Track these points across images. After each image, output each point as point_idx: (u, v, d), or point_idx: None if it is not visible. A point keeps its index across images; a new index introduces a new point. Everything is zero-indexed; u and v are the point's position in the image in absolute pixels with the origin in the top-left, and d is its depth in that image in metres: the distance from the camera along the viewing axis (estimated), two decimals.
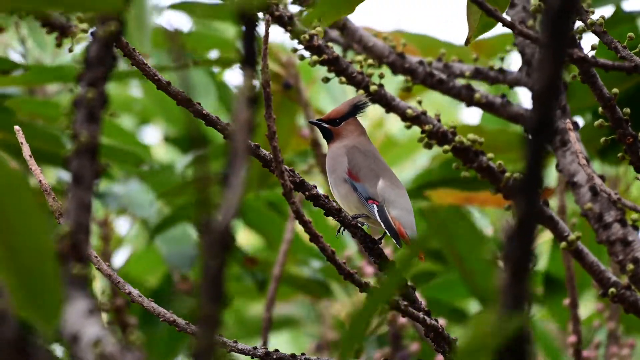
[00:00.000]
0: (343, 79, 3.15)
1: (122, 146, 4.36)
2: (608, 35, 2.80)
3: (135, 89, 5.35)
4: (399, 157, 4.92)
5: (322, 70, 3.19)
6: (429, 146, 3.18)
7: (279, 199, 4.61)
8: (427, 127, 3.16)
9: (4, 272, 1.60)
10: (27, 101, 4.28)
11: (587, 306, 4.59)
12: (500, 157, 3.30)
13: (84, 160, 1.66)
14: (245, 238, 5.28)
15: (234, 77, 4.94)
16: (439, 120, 3.17)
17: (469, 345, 1.51)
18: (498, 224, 4.71)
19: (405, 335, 4.43)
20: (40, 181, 2.68)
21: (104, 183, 4.58)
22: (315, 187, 2.64)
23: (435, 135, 3.16)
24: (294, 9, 3.19)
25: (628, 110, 2.86)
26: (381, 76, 3.17)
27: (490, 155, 3.17)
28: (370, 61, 3.21)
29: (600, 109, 2.85)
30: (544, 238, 4.36)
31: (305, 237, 3.57)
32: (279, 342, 5.36)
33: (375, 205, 2.75)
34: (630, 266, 3.21)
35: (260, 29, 2.50)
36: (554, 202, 4.02)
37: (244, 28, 1.59)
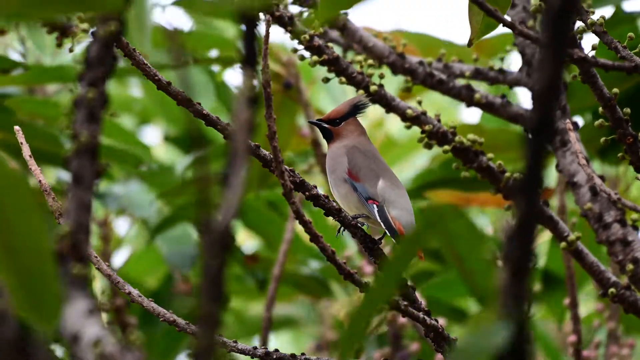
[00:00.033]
0: (343, 79, 3.15)
1: (122, 146, 4.35)
2: (608, 35, 2.81)
3: (135, 89, 5.35)
4: (398, 157, 4.92)
5: (322, 71, 3.19)
6: (429, 146, 3.18)
7: (279, 199, 4.61)
8: (427, 127, 3.16)
9: (3, 272, 1.60)
10: (26, 101, 4.28)
11: (586, 304, 4.59)
12: (500, 157, 3.30)
13: (84, 160, 1.66)
14: (245, 238, 5.28)
15: (234, 77, 4.94)
16: (439, 121, 3.17)
17: (469, 345, 1.51)
18: (498, 224, 4.72)
19: (405, 335, 4.43)
20: (40, 181, 2.68)
21: (103, 183, 4.58)
22: (316, 187, 2.64)
23: (435, 136, 3.16)
24: (294, 9, 3.19)
25: (628, 110, 2.86)
26: (381, 76, 3.17)
27: (490, 155, 3.17)
28: (370, 61, 3.21)
29: (600, 109, 2.86)
30: (544, 238, 4.36)
31: (305, 237, 3.57)
32: (279, 342, 5.36)
33: (375, 205, 2.75)
34: (630, 266, 3.22)
35: (261, 29, 2.50)
36: (554, 202, 4.02)
37: (244, 28, 1.59)
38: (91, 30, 1.68)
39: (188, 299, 4.71)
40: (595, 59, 2.83)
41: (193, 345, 1.52)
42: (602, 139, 2.87)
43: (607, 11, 3.85)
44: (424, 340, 4.29)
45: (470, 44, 2.82)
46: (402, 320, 4.33)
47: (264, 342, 4.04)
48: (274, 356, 2.67)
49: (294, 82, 4.19)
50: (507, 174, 3.17)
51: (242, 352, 2.68)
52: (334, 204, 2.66)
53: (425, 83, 3.41)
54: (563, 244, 3.17)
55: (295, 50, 3.12)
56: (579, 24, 2.82)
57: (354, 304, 4.58)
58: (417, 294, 2.68)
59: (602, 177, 3.06)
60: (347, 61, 3.16)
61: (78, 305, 1.63)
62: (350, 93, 4.37)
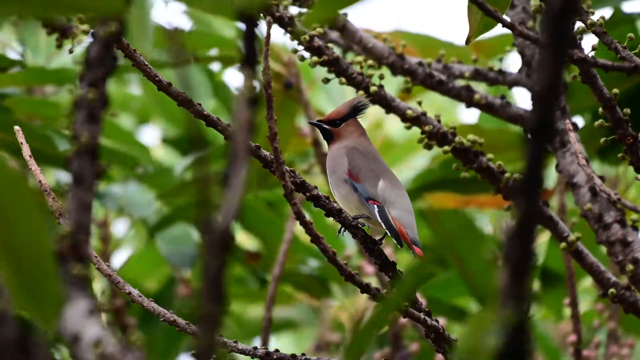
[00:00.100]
0: (343, 79, 3.15)
1: (120, 148, 4.35)
2: (608, 35, 2.81)
3: (134, 87, 5.34)
4: (397, 158, 4.92)
5: (321, 72, 3.19)
6: (428, 147, 3.18)
7: (278, 199, 4.61)
8: (427, 128, 3.16)
9: (4, 271, 1.60)
10: (25, 100, 4.28)
11: (583, 302, 4.59)
12: (499, 157, 3.30)
13: (84, 161, 1.66)
14: (244, 240, 5.28)
15: (234, 77, 4.95)
16: (439, 121, 3.17)
17: (469, 345, 1.51)
18: (497, 224, 4.72)
19: (405, 335, 4.43)
20: (40, 181, 2.68)
21: (102, 183, 4.58)
22: (316, 188, 2.64)
23: (435, 136, 3.16)
24: (294, 10, 3.20)
25: (628, 110, 2.86)
26: (381, 77, 3.17)
27: (490, 155, 3.18)
28: (370, 62, 3.21)
29: (600, 109, 2.86)
30: (544, 238, 4.36)
31: (304, 236, 3.56)
32: (279, 345, 5.36)
33: (375, 206, 2.75)
34: (630, 267, 3.22)
35: (261, 29, 2.50)
36: (554, 202, 4.02)
37: (244, 28, 1.59)
38: (91, 30, 1.68)
39: (189, 301, 4.71)
40: (595, 60, 2.83)
41: (193, 345, 1.52)
42: (602, 140, 2.87)
43: (606, 13, 3.85)
44: (424, 340, 4.30)
45: (468, 41, 2.82)
46: (402, 320, 4.33)
47: (264, 342, 4.04)
48: (275, 356, 2.67)
49: (295, 82, 4.19)
50: (507, 175, 3.18)
51: (243, 352, 2.68)
52: (335, 204, 2.66)
53: (425, 84, 3.41)
54: (563, 245, 3.17)
55: (295, 51, 3.12)
56: (578, 24, 2.82)
57: (353, 305, 4.58)
58: (417, 294, 2.68)
59: (602, 178, 3.07)
60: (347, 62, 3.16)
61: (78, 306, 1.63)
62: (349, 94, 4.37)
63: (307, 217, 2.43)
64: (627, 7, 3.83)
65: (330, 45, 3.12)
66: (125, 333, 4.45)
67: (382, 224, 2.73)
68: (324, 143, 3.97)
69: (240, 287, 4.69)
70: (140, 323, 4.56)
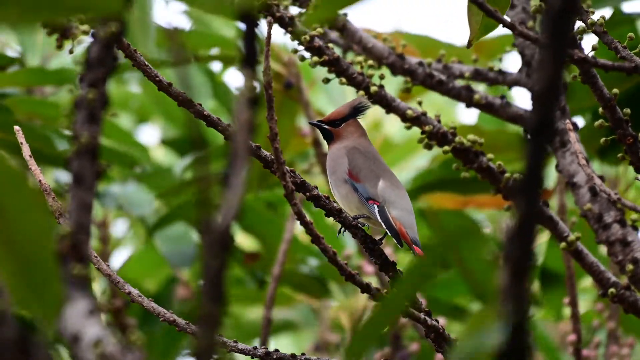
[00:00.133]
0: (343, 79, 3.15)
1: (120, 148, 4.35)
2: (608, 35, 2.81)
3: (133, 85, 5.34)
4: (396, 158, 4.92)
5: (322, 72, 3.19)
6: (429, 147, 3.18)
7: (278, 199, 4.61)
8: (427, 128, 3.16)
9: (4, 270, 1.60)
10: (24, 100, 4.27)
11: (583, 302, 4.59)
12: (499, 157, 3.30)
13: (84, 161, 1.66)
14: (243, 240, 5.28)
15: (234, 77, 4.95)
16: (439, 121, 3.17)
17: (469, 344, 1.51)
18: (497, 224, 4.72)
19: (405, 335, 4.43)
20: (40, 181, 2.68)
21: (101, 183, 4.58)
22: (316, 188, 2.64)
23: (435, 136, 3.16)
24: (295, 10, 3.20)
25: (628, 110, 2.86)
26: (381, 77, 3.17)
27: (490, 155, 3.18)
28: (370, 62, 3.22)
29: (600, 109, 2.86)
30: (543, 238, 4.36)
31: (304, 236, 3.56)
32: (279, 346, 5.35)
33: (375, 206, 2.75)
34: (630, 266, 3.22)
35: (262, 29, 2.50)
36: (553, 202, 4.03)
37: (244, 28, 1.59)
38: (92, 31, 1.68)
39: (189, 303, 4.71)
40: (595, 60, 2.83)
41: (193, 345, 1.52)
42: (602, 140, 2.87)
43: (606, 12, 3.85)
44: (424, 340, 4.29)
45: (469, 44, 2.82)
46: (402, 320, 4.33)
47: (264, 342, 4.04)
48: (274, 356, 2.67)
49: (295, 82, 4.19)
50: (507, 175, 3.18)
51: (242, 352, 2.68)
52: (335, 204, 2.66)
53: (425, 84, 3.41)
54: (563, 244, 3.17)
55: (295, 51, 3.12)
56: (578, 24, 2.82)
57: (352, 305, 4.58)
58: (417, 294, 2.68)
59: (601, 178, 3.07)
60: (347, 62, 3.16)
61: (79, 306, 1.63)
62: (349, 94, 4.37)
63: (307, 217, 2.44)
64: (627, 7, 3.83)
65: (330, 45, 3.12)
66: (125, 333, 4.45)
67: (382, 223, 2.73)
68: (324, 143, 3.97)
69: (239, 288, 4.69)
70: (140, 323, 4.56)
